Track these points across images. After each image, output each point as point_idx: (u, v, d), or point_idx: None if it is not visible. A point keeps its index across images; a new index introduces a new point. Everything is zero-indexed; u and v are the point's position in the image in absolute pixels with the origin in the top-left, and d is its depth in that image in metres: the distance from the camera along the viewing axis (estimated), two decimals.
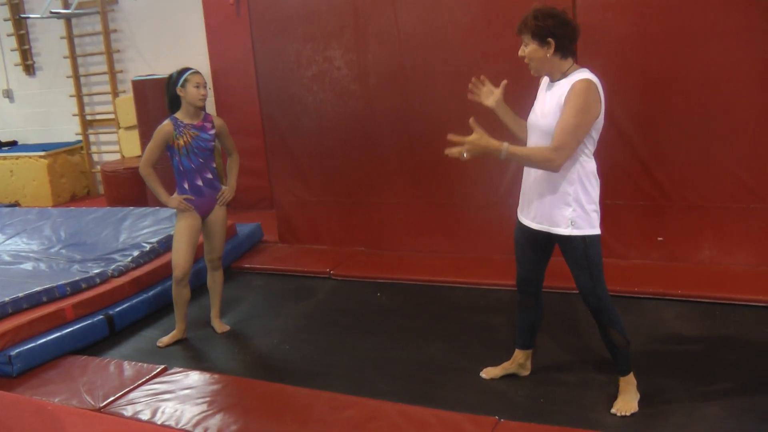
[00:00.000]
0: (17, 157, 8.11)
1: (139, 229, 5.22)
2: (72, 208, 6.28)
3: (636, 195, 4.43)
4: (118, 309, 4.25)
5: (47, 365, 3.72)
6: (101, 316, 4.13)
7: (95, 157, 8.47)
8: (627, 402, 2.90)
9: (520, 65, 2.91)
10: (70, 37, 8.03)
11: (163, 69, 6.94)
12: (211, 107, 6.75)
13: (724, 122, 4.13)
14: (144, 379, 3.45)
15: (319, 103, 5.22)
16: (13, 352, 3.63)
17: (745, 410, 2.82)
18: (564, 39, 2.71)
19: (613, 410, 2.88)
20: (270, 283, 4.98)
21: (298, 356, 3.77)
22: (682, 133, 4.23)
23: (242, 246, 5.45)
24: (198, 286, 4.55)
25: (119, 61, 7.90)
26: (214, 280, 4.14)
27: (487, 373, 3.31)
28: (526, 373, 3.29)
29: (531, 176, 2.90)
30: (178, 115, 3.82)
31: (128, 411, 3.16)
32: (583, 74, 2.71)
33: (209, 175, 3.91)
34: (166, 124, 3.80)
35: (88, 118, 8.30)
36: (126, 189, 6.98)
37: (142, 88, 6.65)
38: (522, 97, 3.14)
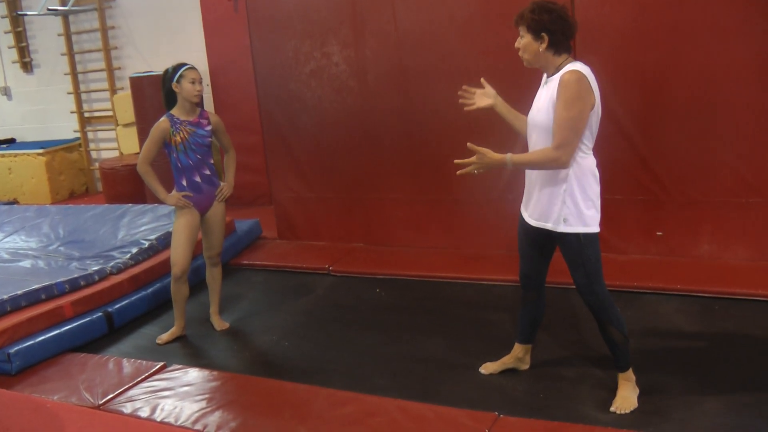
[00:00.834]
0: (15, 155, 8.10)
1: (138, 226, 5.21)
2: (70, 205, 6.27)
3: (635, 190, 4.43)
4: (117, 306, 4.25)
5: (46, 363, 3.73)
6: (100, 314, 4.13)
7: (93, 155, 8.45)
8: (626, 398, 2.89)
9: (519, 62, 2.89)
10: (68, 34, 8.00)
11: (161, 66, 6.81)
12: (209, 104, 6.73)
13: (723, 117, 4.12)
14: (143, 377, 3.45)
15: (318, 99, 5.21)
16: (12, 350, 3.63)
17: (745, 405, 2.82)
18: (558, 34, 2.70)
19: (612, 408, 2.87)
20: (269, 279, 4.98)
21: (297, 353, 3.77)
22: (681, 128, 4.23)
23: (241, 242, 5.44)
24: (197, 283, 4.55)
25: (117, 58, 7.88)
26: (213, 277, 4.14)
27: (486, 368, 3.31)
28: (525, 367, 3.29)
29: (533, 172, 2.90)
30: (174, 111, 3.82)
31: (127, 408, 3.16)
32: (572, 66, 2.69)
33: (207, 172, 3.90)
34: (163, 121, 3.79)
35: (86, 115, 8.29)
36: (124, 186, 6.96)
37: (139, 85, 6.64)
38: (522, 95, 3.12)
